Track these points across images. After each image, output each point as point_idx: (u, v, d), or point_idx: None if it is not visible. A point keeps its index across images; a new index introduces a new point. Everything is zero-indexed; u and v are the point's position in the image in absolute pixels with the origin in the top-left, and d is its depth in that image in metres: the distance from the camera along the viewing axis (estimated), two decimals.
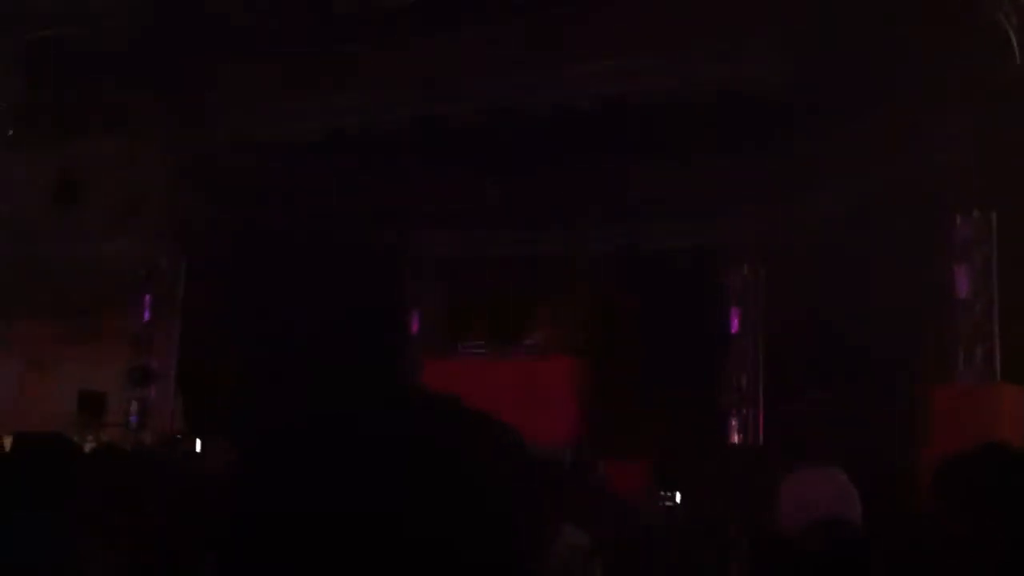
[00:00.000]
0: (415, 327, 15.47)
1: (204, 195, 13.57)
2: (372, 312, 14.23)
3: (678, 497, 10.52)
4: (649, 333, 13.06)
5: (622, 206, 13.28)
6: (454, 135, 12.71)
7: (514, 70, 12.49)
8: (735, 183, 12.37)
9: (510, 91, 12.68)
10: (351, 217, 14.15)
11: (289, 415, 0.94)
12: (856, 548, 2.48)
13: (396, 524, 0.86)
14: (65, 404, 13.00)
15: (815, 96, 11.07)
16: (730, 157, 12.06)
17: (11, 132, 12.28)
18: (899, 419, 10.32)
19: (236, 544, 0.89)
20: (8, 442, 4.69)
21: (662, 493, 10.69)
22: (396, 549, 0.85)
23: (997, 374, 10.95)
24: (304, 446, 0.91)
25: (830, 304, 11.44)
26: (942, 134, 11.03)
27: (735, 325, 13.77)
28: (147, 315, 14.14)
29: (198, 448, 9.86)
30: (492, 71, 12.41)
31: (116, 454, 3.85)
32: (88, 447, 4.95)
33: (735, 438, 13.61)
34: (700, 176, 12.35)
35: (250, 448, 0.94)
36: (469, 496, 0.89)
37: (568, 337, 13.39)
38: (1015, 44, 10.06)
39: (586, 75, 12.52)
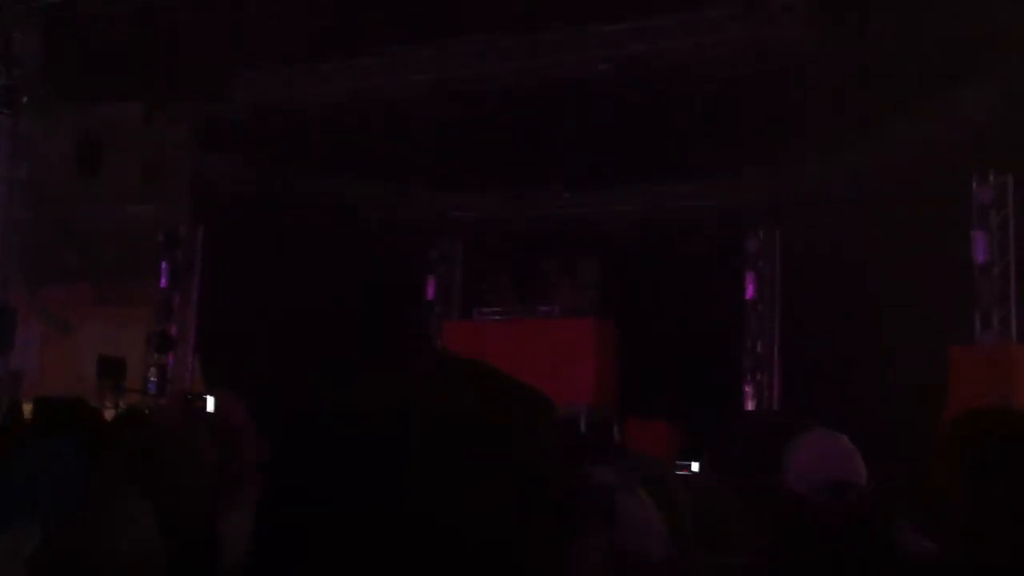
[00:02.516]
0: (432, 291, 15.51)
1: (224, 161, 13.61)
2: (392, 281, 14.31)
3: (695, 466, 10.55)
4: (668, 296, 13.06)
5: (641, 168, 13.22)
6: (474, 98, 12.71)
7: (535, 31, 12.50)
8: (753, 145, 12.33)
9: (532, 53, 12.69)
10: (370, 184, 14.17)
11: (317, 395, 0.94)
12: (859, 509, 2.52)
13: (434, 498, 0.87)
14: (88, 368, 13.14)
15: (835, 56, 11.03)
16: (748, 119, 12.01)
17: (25, 99, 12.32)
18: (917, 382, 10.33)
19: (276, 526, 0.91)
20: (29, 408, 4.77)
21: (678, 462, 10.71)
22: (435, 522, 0.86)
23: (1013, 336, 10.95)
24: (338, 429, 0.92)
25: (847, 268, 11.43)
26: (961, 97, 10.97)
27: (750, 290, 13.74)
28: (164, 281, 14.24)
29: (210, 406, 9.94)
30: (513, 33, 12.43)
31: (135, 419, 3.90)
32: (108, 413, 5.02)
33: (750, 403, 13.63)
34: (719, 138, 12.30)
35: (286, 435, 0.95)
36: (504, 467, 0.90)
37: (587, 299, 13.40)
38: None
39: (607, 36, 12.52)
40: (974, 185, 11.13)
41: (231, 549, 2.54)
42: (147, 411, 4.23)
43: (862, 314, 11.33)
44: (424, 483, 0.88)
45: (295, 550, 0.89)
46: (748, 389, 13.69)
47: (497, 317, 13.60)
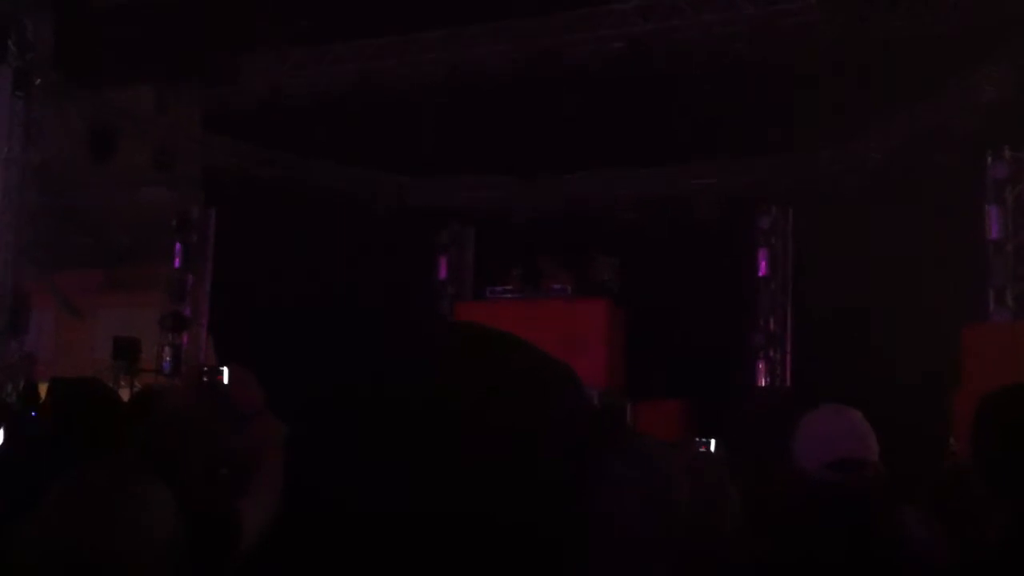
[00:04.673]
0: (443, 271, 15.52)
1: (233, 145, 13.63)
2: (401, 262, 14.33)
3: (712, 445, 10.45)
4: (680, 275, 13.05)
5: (651, 149, 13.20)
6: (484, 81, 12.68)
7: (546, 13, 12.46)
8: (765, 125, 12.28)
9: (543, 35, 12.66)
10: (379, 167, 14.17)
11: (338, 385, 0.94)
12: (860, 488, 2.52)
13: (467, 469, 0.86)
14: (102, 350, 13.20)
15: (850, 35, 10.96)
16: (760, 99, 11.95)
17: (39, 81, 12.33)
18: (930, 359, 10.29)
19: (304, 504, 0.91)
20: (44, 388, 4.79)
21: (697, 440, 10.67)
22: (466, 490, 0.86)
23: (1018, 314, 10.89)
24: (356, 423, 0.91)
25: (860, 246, 11.39)
26: (976, 75, 10.91)
27: (763, 267, 13.72)
28: (178, 262, 14.30)
29: (226, 379, 10.00)
30: (524, 15, 12.40)
31: (151, 399, 3.92)
32: (123, 393, 5.04)
33: (763, 380, 13.63)
34: (731, 118, 12.26)
35: (307, 428, 0.94)
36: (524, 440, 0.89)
37: (598, 280, 13.39)
38: None
39: (618, 15, 12.48)
40: (989, 161, 11.05)
41: (247, 528, 2.56)
42: (162, 390, 4.25)
43: (875, 291, 11.28)
44: (444, 478, 0.88)
45: (316, 542, 0.89)
46: (761, 366, 13.69)
47: (509, 296, 13.60)
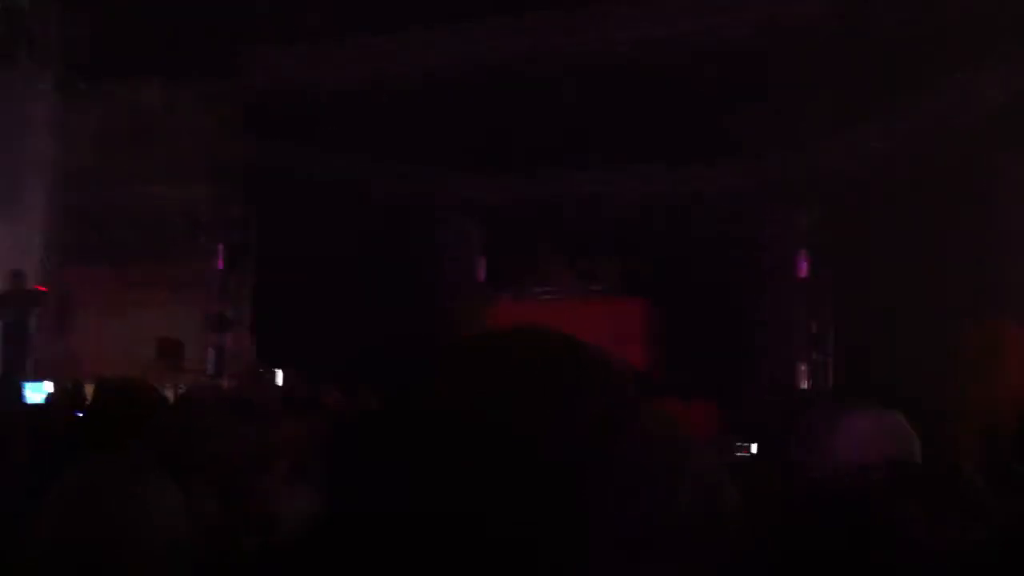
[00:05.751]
0: (482, 272, 15.56)
1: (266, 142, 13.65)
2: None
3: (754, 447, 10.33)
4: (719, 276, 13.00)
5: (677, 147, 13.07)
6: (486, 79, 12.60)
7: (548, 12, 12.40)
8: (786, 120, 12.18)
9: (544, 35, 12.58)
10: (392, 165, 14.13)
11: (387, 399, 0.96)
12: (911, 487, 2.51)
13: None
14: (141, 351, 13.31)
15: (861, 29, 10.87)
16: (766, 97, 11.87)
17: (62, 80, 12.40)
18: (955, 357, 10.20)
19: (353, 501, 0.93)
20: (90, 389, 4.86)
21: (738, 443, 10.58)
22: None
23: None
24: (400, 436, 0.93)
25: (892, 245, 11.30)
26: (985, 70, 10.77)
27: (804, 269, 13.64)
28: (220, 263, 14.42)
29: (279, 379, 10.13)
30: (525, 14, 12.34)
31: (200, 397, 3.98)
32: (168, 394, 5.10)
33: (805, 383, 13.55)
34: (741, 117, 12.12)
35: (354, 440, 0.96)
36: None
37: (635, 279, 13.39)
38: None
39: (622, 16, 12.39)
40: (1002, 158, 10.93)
41: (276, 525, 2.59)
42: (208, 390, 4.30)
43: (913, 291, 11.19)
44: (482, 487, 0.89)
45: (354, 544, 0.91)
46: (803, 368, 13.62)
47: (549, 297, 13.62)
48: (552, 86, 12.54)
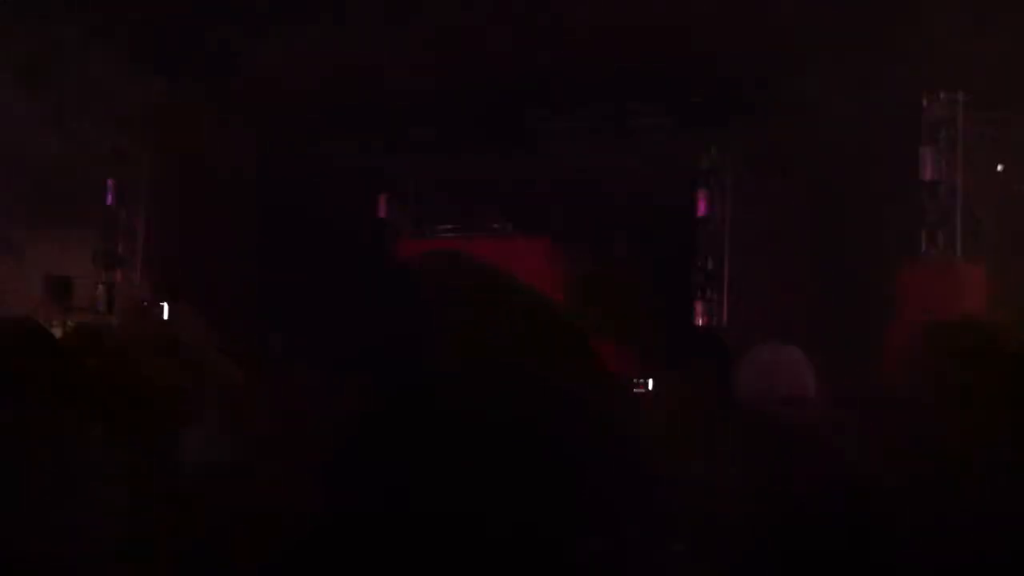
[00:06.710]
0: (384, 210, 15.40)
1: (170, 83, 13.30)
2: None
3: (651, 383, 10.49)
4: (619, 214, 13.07)
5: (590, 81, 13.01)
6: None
7: None
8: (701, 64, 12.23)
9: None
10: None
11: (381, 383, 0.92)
12: (808, 425, 2.56)
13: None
14: (34, 288, 12.96)
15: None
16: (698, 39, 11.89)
17: None
18: (862, 297, 10.48)
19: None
20: None
21: (635, 380, 10.74)
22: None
23: (958, 254, 11.13)
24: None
25: (797, 187, 11.50)
26: (912, 13, 10.95)
27: (702, 208, 13.78)
28: (111, 199, 14.09)
29: (165, 314, 9.93)
30: None
31: (86, 335, 3.87)
32: (56, 331, 4.97)
33: (700, 320, 13.76)
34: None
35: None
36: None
37: (536, 218, 13.40)
38: None
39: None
40: (924, 102, 11.20)
41: (192, 470, 2.54)
42: (98, 329, 4.19)
43: (813, 230, 11.43)
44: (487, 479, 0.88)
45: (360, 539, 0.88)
46: (698, 306, 13.82)
47: (451, 235, 13.57)
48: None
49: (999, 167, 11.51)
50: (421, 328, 0.94)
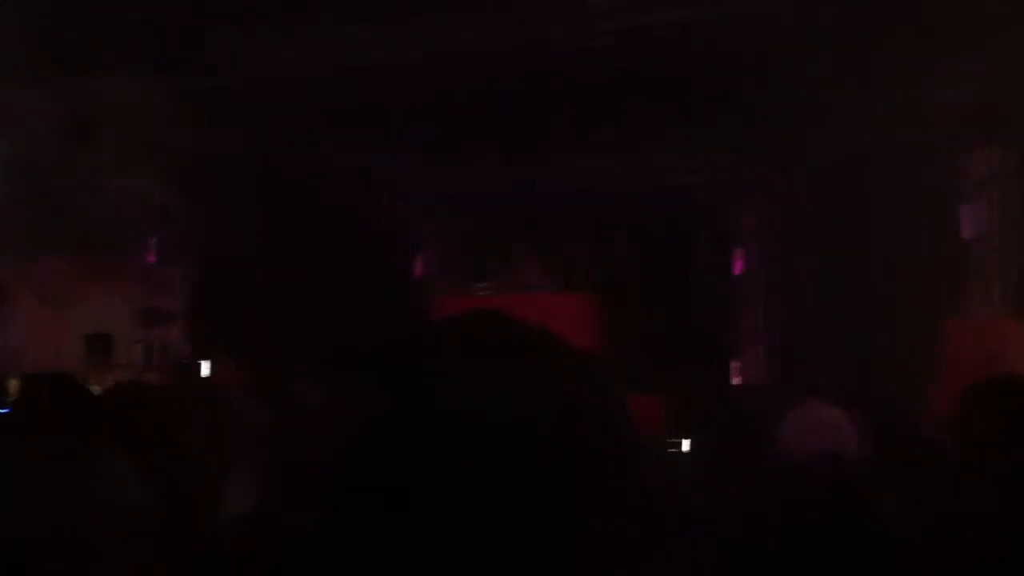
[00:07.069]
0: (419, 268, 15.46)
1: (214, 134, 13.46)
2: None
3: (686, 445, 10.36)
4: (656, 272, 13.03)
5: (624, 141, 13.07)
6: (461, 70, 12.50)
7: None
8: (738, 118, 12.23)
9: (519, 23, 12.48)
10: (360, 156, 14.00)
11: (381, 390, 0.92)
12: (847, 482, 2.51)
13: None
14: (77, 343, 13.04)
15: (821, 25, 10.93)
16: (732, 91, 11.89)
17: (14, 68, 12.19)
18: (906, 355, 10.34)
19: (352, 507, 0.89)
20: (15, 384, 4.72)
21: (670, 440, 10.62)
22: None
23: (998, 311, 10.97)
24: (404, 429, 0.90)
25: (836, 243, 11.41)
26: (950, 67, 10.92)
27: (739, 265, 13.72)
28: (153, 256, 14.22)
29: (205, 371, 9.98)
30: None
31: (127, 392, 3.88)
32: (95, 389, 4.98)
33: (740, 379, 13.64)
34: (701, 111, 12.15)
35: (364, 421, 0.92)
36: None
37: (575, 275, 13.36)
38: None
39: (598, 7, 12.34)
40: (966, 159, 11.12)
41: (228, 513, 2.52)
42: (136, 384, 4.20)
43: (854, 287, 11.32)
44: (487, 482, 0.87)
45: (362, 543, 0.87)
46: (736, 364, 13.71)
47: (488, 293, 13.55)
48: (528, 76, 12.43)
49: None
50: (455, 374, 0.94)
